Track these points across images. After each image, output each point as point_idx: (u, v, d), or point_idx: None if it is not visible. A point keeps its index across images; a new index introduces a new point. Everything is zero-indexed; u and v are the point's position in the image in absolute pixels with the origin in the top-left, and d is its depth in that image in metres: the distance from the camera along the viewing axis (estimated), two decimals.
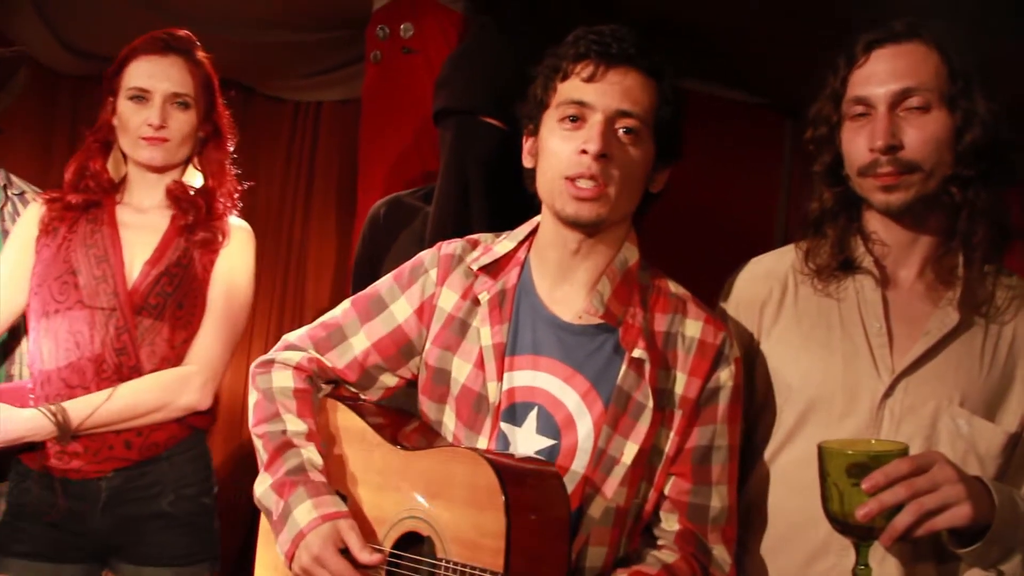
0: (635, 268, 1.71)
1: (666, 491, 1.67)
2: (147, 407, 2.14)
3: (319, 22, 3.77)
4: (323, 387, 1.80)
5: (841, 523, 1.41)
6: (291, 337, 1.83)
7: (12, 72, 2.72)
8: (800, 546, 1.71)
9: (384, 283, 1.81)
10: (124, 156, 2.31)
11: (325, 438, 1.73)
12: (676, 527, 1.66)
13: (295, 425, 1.68)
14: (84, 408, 2.08)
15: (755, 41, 3.73)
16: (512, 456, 1.61)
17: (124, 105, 2.22)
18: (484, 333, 1.69)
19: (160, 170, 2.27)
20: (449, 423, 1.71)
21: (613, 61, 1.60)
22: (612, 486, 1.61)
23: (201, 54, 2.30)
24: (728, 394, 1.67)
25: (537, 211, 2.12)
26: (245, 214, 4.22)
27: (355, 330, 1.77)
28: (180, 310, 2.20)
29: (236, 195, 2.39)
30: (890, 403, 1.65)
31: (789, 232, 4.56)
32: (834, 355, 1.70)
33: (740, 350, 1.76)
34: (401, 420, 1.80)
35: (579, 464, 1.62)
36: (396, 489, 1.62)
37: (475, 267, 1.73)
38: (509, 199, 2.31)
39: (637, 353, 1.62)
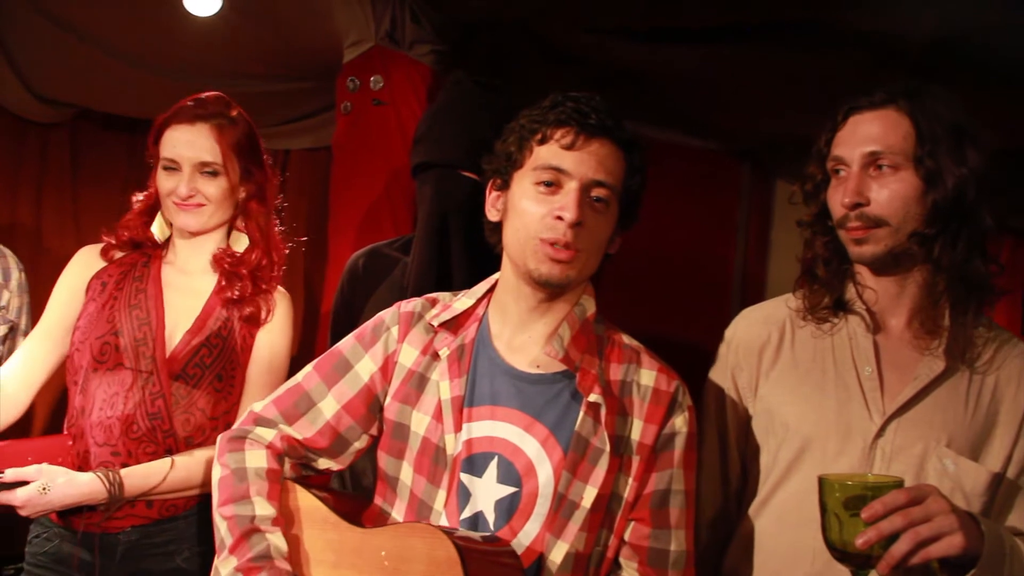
0: (591, 319, 1.77)
1: (626, 537, 1.71)
2: (196, 483, 2.13)
3: (289, 72, 3.83)
4: (288, 469, 1.80)
5: (840, 552, 1.48)
6: (258, 408, 1.81)
7: None
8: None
9: (347, 344, 1.82)
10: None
11: (285, 519, 1.73)
12: (636, 575, 1.70)
13: (263, 509, 1.67)
14: (141, 482, 2.07)
15: (710, 88, 3.84)
16: (468, 532, 1.64)
17: (160, 174, 2.22)
18: (443, 387, 1.71)
19: (197, 234, 2.27)
20: (407, 479, 1.73)
21: (592, 132, 1.65)
22: (573, 531, 1.64)
23: (235, 113, 2.27)
24: (683, 440, 1.72)
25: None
26: None
27: (322, 395, 1.78)
28: (220, 382, 2.19)
29: (282, 260, 2.39)
30: (881, 443, 1.74)
31: (747, 272, 4.68)
32: (828, 397, 1.79)
33: (739, 392, 1.89)
34: (359, 503, 1.82)
35: (540, 510, 1.65)
36: (353, 567, 1.62)
37: (435, 323, 1.76)
38: (486, 248, 2.39)
39: (593, 398, 1.66)
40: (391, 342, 1.78)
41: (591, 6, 3.25)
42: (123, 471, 2.06)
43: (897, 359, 1.79)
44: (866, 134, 1.75)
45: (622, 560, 1.72)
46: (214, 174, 2.21)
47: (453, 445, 1.68)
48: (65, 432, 2.20)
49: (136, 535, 2.13)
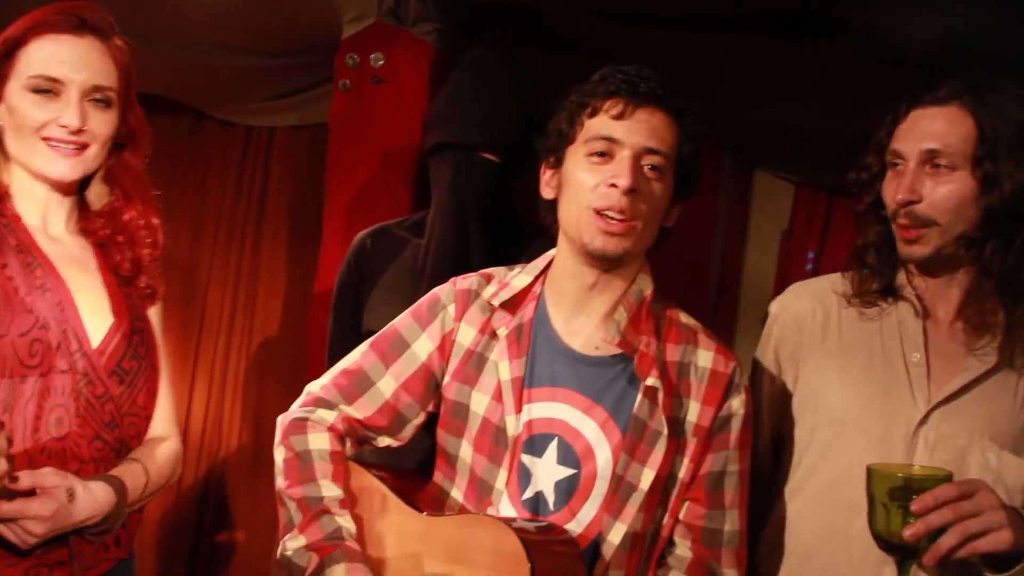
0: (649, 299, 1.77)
1: (681, 516, 1.73)
2: (160, 487, 1.86)
3: (277, 48, 3.72)
4: (348, 448, 1.81)
5: (886, 542, 1.49)
6: (315, 389, 1.82)
7: None
8: (828, 561, 1.79)
9: (402, 321, 1.82)
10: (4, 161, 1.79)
11: (348, 500, 1.74)
12: (689, 554, 1.72)
13: (331, 491, 1.69)
14: (134, 484, 1.74)
15: (693, 76, 3.84)
16: (530, 523, 1.65)
17: (22, 97, 1.70)
18: (503, 367, 1.72)
19: (67, 185, 1.80)
20: (467, 458, 1.74)
21: (641, 100, 1.67)
22: (630, 512, 1.67)
23: (119, 40, 1.82)
24: (740, 422, 1.74)
25: (530, 241, 2.16)
26: (192, 238, 4.22)
27: (380, 374, 1.78)
28: (152, 371, 1.86)
29: (161, 230, 1.96)
30: (924, 431, 1.74)
31: (726, 260, 4.70)
32: (873, 381, 1.80)
33: (780, 365, 1.90)
34: (417, 483, 1.83)
35: (599, 491, 1.68)
36: (416, 554, 1.64)
37: (495, 302, 1.77)
38: (504, 231, 2.36)
39: (651, 381, 1.68)
40: (448, 320, 1.77)
41: None
42: (116, 474, 1.72)
43: (945, 349, 1.79)
44: (926, 130, 1.74)
45: (676, 538, 1.74)
46: (106, 104, 1.75)
47: (514, 426, 1.69)
48: None
49: None
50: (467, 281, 1.82)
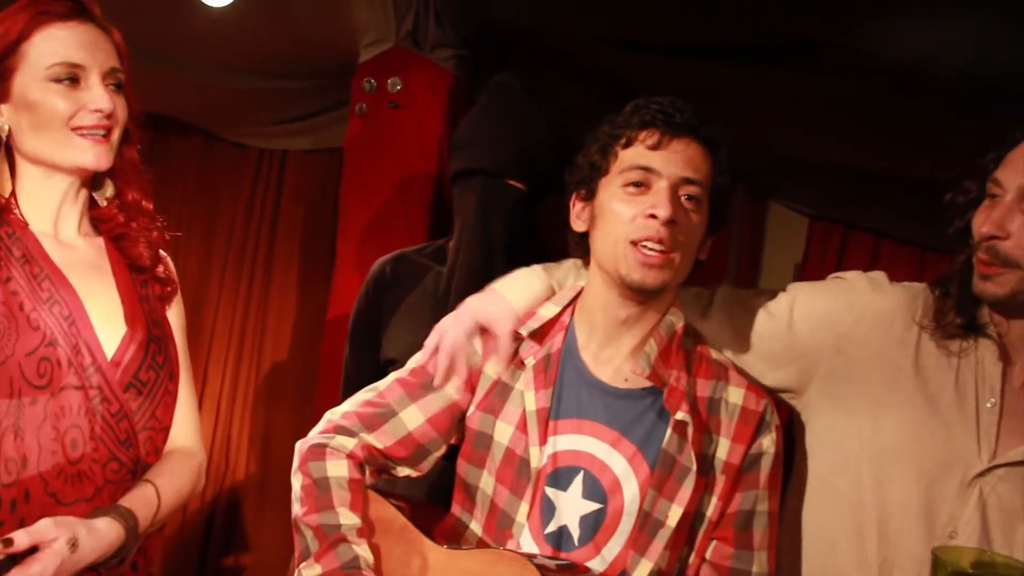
0: (680, 333, 1.73)
1: (708, 555, 1.70)
2: (180, 505, 1.76)
3: (292, 70, 3.71)
4: (367, 477, 1.78)
5: None
6: (336, 417, 1.79)
7: None
8: None
9: (432, 360, 1.78)
10: (12, 168, 1.69)
11: (371, 532, 1.71)
12: None
13: (348, 519, 1.65)
14: (146, 513, 1.64)
15: (707, 106, 3.82)
16: (551, 560, 1.61)
17: (43, 90, 1.62)
18: (528, 397, 1.69)
19: (89, 176, 1.72)
20: (487, 489, 1.71)
21: (677, 131, 1.64)
22: (656, 549, 1.63)
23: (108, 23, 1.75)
24: (770, 461, 1.71)
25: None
26: (202, 261, 4.19)
27: (405, 406, 1.76)
28: (171, 382, 1.77)
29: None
30: (982, 483, 1.64)
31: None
32: (938, 415, 1.69)
33: (836, 346, 1.77)
34: (435, 513, 1.80)
35: (625, 527, 1.65)
36: None
37: (523, 331, 1.74)
38: (528, 258, 2.33)
39: (680, 416, 1.65)
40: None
41: (614, 20, 3.22)
42: (124, 503, 1.62)
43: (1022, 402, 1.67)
44: None
45: None
46: (120, 88, 1.69)
47: (538, 458, 1.66)
48: None
49: None
50: None
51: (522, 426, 1.69)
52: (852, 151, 3.65)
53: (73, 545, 1.48)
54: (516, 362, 1.73)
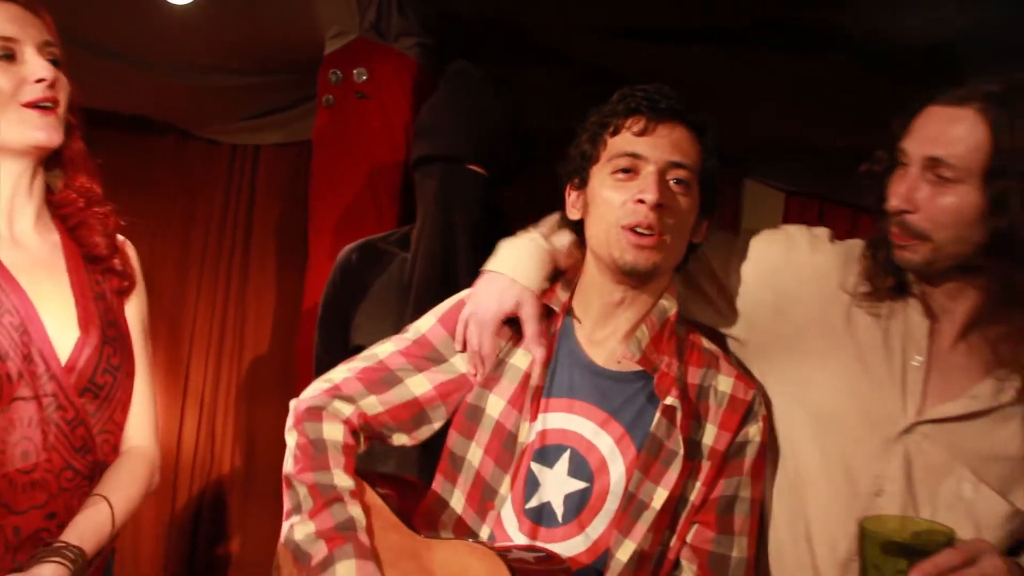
0: (673, 320, 1.76)
1: (688, 539, 1.72)
2: (134, 509, 1.72)
3: (259, 66, 3.73)
4: (360, 444, 1.78)
5: None
6: (336, 379, 1.77)
7: None
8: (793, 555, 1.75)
9: (436, 333, 1.80)
10: None
11: None
12: None
13: (343, 481, 1.65)
14: (96, 539, 1.60)
15: (683, 88, 3.83)
16: (527, 551, 1.62)
17: None
18: (532, 374, 1.72)
19: (40, 156, 1.67)
20: (474, 460, 1.74)
21: (663, 116, 1.66)
22: (640, 531, 1.66)
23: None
24: (755, 449, 1.74)
25: None
26: (179, 258, 4.22)
27: (410, 374, 1.77)
28: (128, 379, 1.74)
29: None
30: (907, 440, 1.66)
31: None
32: (868, 373, 1.70)
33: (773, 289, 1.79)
34: (413, 500, 1.81)
35: (610, 507, 1.67)
36: (409, 573, 1.62)
37: (556, 307, 1.77)
38: (493, 243, 2.36)
39: (670, 400, 1.67)
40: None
41: (579, 5, 3.23)
42: (71, 537, 1.57)
43: (949, 364, 1.66)
44: (934, 134, 1.55)
45: (683, 561, 1.72)
46: (57, 64, 1.64)
47: (527, 434, 1.69)
48: None
49: None
50: None
51: (514, 401, 1.72)
52: (825, 128, 3.67)
53: None
54: (513, 340, 1.75)
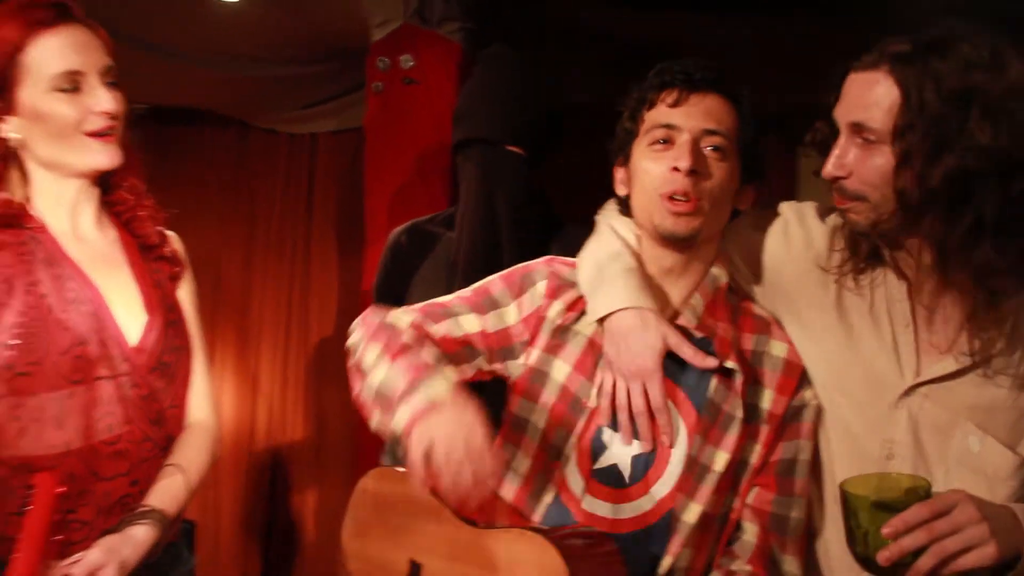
0: (725, 288, 1.78)
1: (749, 500, 1.75)
2: (201, 479, 1.85)
3: (311, 55, 3.86)
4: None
5: (865, 562, 1.42)
6: (396, 310, 1.81)
7: None
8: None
9: (495, 284, 1.83)
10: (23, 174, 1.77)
11: (400, 512, 1.75)
12: (754, 540, 1.74)
13: (430, 354, 1.64)
14: (174, 505, 1.76)
15: (733, 59, 3.81)
16: (576, 537, 1.63)
17: (49, 100, 1.68)
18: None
19: (100, 175, 1.79)
20: (539, 422, 1.76)
21: (696, 87, 1.68)
22: (704, 493, 1.69)
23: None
24: (812, 412, 1.75)
25: (561, 229, 2.20)
26: (244, 247, 4.37)
27: (466, 313, 1.80)
28: (188, 358, 1.88)
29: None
30: (909, 403, 1.66)
31: None
32: (859, 344, 1.72)
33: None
34: None
35: (673, 469, 1.70)
36: (466, 563, 1.65)
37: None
38: (534, 221, 2.42)
39: (729, 364, 1.70)
40: (537, 297, 1.80)
41: None
42: (153, 503, 1.73)
43: (937, 320, 1.68)
44: (854, 100, 1.57)
45: (744, 523, 1.75)
46: (116, 84, 1.73)
47: (594, 398, 1.72)
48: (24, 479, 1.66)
49: (144, 571, 1.76)
50: (562, 267, 1.84)
51: (579, 366, 1.74)
52: None
53: (122, 568, 1.62)
54: (579, 311, 1.77)
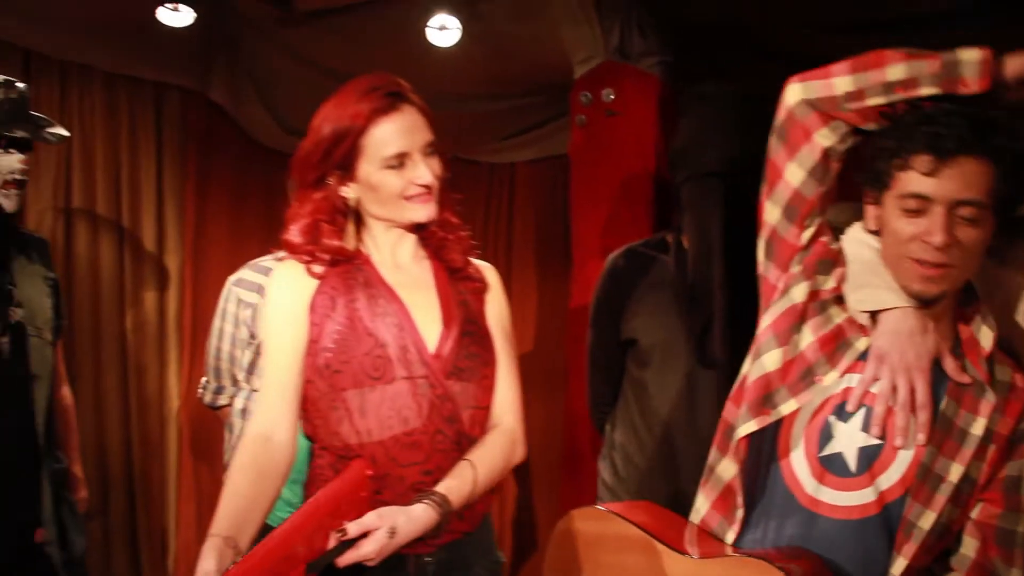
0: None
1: (974, 515, 1.79)
2: (497, 476, 2.06)
3: (516, 91, 4.14)
4: None
5: None
6: None
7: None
8: None
9: (812, 353, 1.85)
10: (359, 223, 2.11)
11: (611, 549, 1.85)
12: (972, 555, 1.80)
13: None
14: (459, 496, 1.96)
15: None
16: (790, 559, 1.70)
17: (378, 175, 1.99)
18: (859, 341, 1.82)
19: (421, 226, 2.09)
20: (785, 408, 1.83)
21: (949, 154, 1.65)
22: (939, 502, 1.74)
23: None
24: None
25: None
26: None
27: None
28: (486, 368, 2.09)
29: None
30: None
31: None
32: None
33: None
34: (676, 525, 1.94)
35: (900, 465, 1.76)
36: None
37: (861, 321, 1.86)
38: (752, 255, 2.61)
39: (961, 380, 1.76)
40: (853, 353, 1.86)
41: (805, 3, 3.35)
42: (440, 488, 1.94)
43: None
44: None
45: (965, 537, 1.81)
46: (434, 153, 2.04)
47: (834, 381, 1.80)
48: (326, 465, 2.01)
49: (445, 553, 2.03)
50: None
51: (823, 342, 1.81)
52: None
53: (392, 532, 1.85)
54: (835, 289, 1.85)
